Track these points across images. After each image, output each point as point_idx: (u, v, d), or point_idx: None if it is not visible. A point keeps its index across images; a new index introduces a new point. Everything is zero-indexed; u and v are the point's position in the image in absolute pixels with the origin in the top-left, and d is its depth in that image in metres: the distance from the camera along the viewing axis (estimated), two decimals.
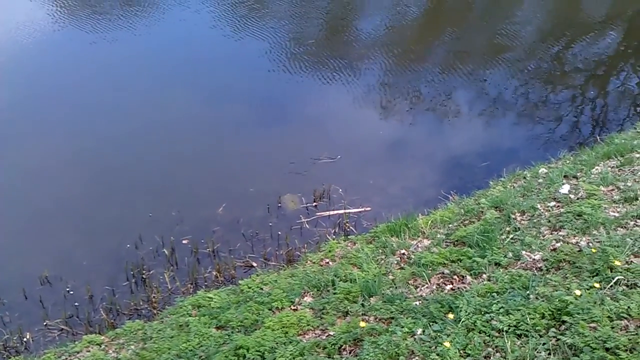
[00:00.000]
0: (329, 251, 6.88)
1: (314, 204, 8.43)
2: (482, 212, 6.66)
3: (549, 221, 6.01)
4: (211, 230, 7.91)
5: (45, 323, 6.74)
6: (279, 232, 7.91)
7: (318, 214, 8.26)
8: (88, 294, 7.09)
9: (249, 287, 6.29)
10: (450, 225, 6.72)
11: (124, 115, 10.46)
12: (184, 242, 7.81)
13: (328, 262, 6.66)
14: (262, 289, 6.21)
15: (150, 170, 9.16)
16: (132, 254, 7.63)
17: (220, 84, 11.37)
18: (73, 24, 13.93)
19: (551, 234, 5.80)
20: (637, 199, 6.06)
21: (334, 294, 5.60)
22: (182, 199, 8.50)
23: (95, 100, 10.89)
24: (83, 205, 8.53)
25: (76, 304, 7.03)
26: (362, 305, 5.32)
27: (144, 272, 7.37)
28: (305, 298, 5.78)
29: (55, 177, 9.00)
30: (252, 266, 7.36)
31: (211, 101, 10.91)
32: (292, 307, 5.65)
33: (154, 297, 6.94)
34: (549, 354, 4.06)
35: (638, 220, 5.65)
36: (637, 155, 7.29)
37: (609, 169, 7.11)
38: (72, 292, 7.16)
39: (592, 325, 4.19)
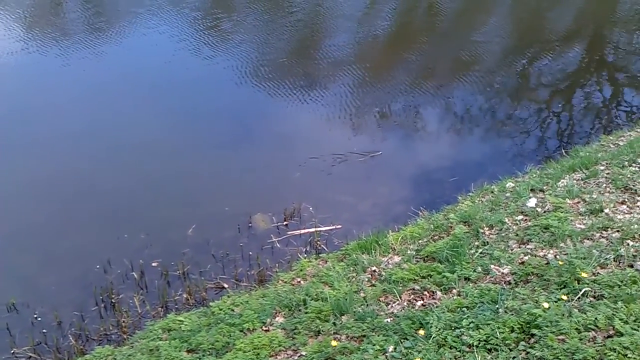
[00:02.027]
0: (301, 270, 6.85)
1: (285, 223, 8.41)
2: (451, 227, 6.70)
3: (517, 235, 6.08)
4: (181, 252, 7.83)
5: (12, 351, 6.58)
6: (250, 252, 7.86)
7: (289, 233, 8.24)
8: (56, 320, 6.96)
9: (220, 309, 6.23)
10: (420, 241, 6.75)
11: (90, 138, 10.35)
12: (153, 265, 7.72)
13: (300, 281, 6.63)
14: (233, 310, 6.15)
15: (117, 193, 9.04)
16: (100, 278, 7.50)
17: (187, 106, 11.33)
18: (40, 47, 13.80)
19: (519, 247, 5.86)
20: (602, 211, 6.16)
21: (306, 313, 5.58)
22: (151, 221, 8.42)
23: (61, 124, 10.78)
24: (50, 230, 8.39)
25: (44, 330, 6.88)
26: (334, 324, 5.31)
27: (113, 296, 7.25)
28: (277, 318, 5.75)
29: (20, 202, 8.86)
30: (223, 287, 7.30)
31: (178, 123, 10.85)
32: (264, 328, 5.60)
33: (123, 321, 6.83)
34: None
35: (604, 232, 5.75)
36: (602, 168, 7.41)
37: (575, 181, 7.22)
38: (39, 319, 7.01)
39: (561, 337, 4.24)
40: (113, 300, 7.21)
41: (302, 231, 8.22)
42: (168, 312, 6.75)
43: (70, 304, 7.17)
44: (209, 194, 9.03)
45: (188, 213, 8.50)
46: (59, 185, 9.21)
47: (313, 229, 8.13)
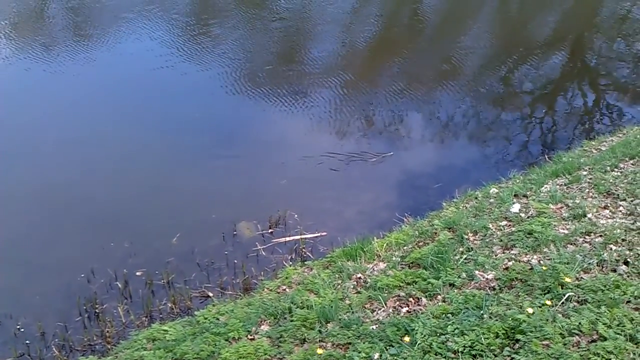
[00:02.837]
0: (286, 278, 6.85)
1: (270, 230, 8.39)
2: (436, 233, 6.72)
3: (501, 240, 6.10)
4: (165, 261, 7.79)
5: None
6: (235, 261, 7.83)
7: (274, 240, 8.22)
8: (39, 331, 6.89)
9: (205, 318, 6.20)
10: (405, 248, 6.76)
11: (73, 147, 10.30)
12: (137, 274, 7.67)
13: (285, 289, 6.62)
14: (218, 319, 6.13)
15: (101, 202, 8.98)
16: (84, 288, 7.45)
17: (171, 113, 11.32)
18: (21, 57, 13.71)
19: (503, 253, 5.88)
20: (585, 216, 6.19)
21: (291, 321, 5.56)
22: (134, 230, 8.37)
23: (44, 134, 10.72)
24: (33, 240, 8.33)
25: (27, 342, 6.81)
26: (319, 331, 5.29)
27: (97, 306, 7.21)
28: (262, 327, 5.72)
29: (3, 212, 8.78)
30: (209, 296, 7.26)
31: (163, 131, 10.81)
32: (249, 337, 5.57)
33: (107, 331, 6.79)
34: None
35: (587, 237, 5.78)
36: (584, 173, 7.47)
37: (558, 187, 7.27)
38: (22, 330, 6.95)
39: (545, 342, 4.25)
40: (97, 311, 7.16)
41: (288, 239, 8.21)
42: (152, 322, 6.72)
43: (54, 315, 7.12)
44: (194, 202, 8.99)
45: (172, 222, 8.47)
46: (42, 195, 9.14)
47: (298, 237, 8.12)
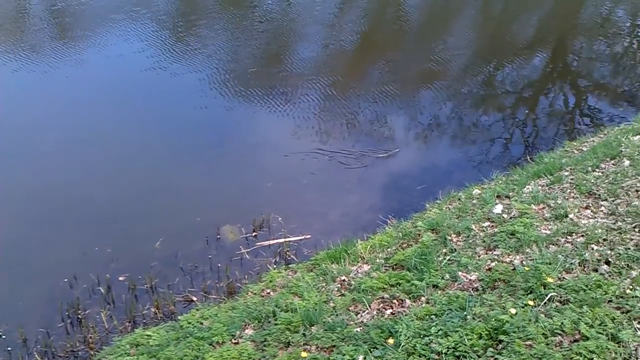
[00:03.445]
0: (270, 281, 6.83)
1: (254, 233, 8.37)
2: (420, 234, 6.74)
3: (484, 241, 6.13)
4: (149, 266, 7.73)
5: None
6: (219, 264, 7.80)
7: (258, 244, 8.20)
8: (21, 338, 6.82)
9: (189, 323, 6.17)
10: (388, 250, 6.77)
11: (56, 151, 10.21)
12: (120, 279, 7.61)
13: (269, 293, 6.61)
14: (202, 323, 6.10)
15: (83, 207, 8.92)
16: (67, 294, 7.38)
17: (154, 118, 11.26)
18: (9, 58, 13.61)
19: (486, 253, 5.90)
20: (566, 216, 6.23)
21: (275, 324, 5.55)
22: (117, 235, 8.30)
23: (26, 137, 10.62)
24: (14, 246, 8.23)
25: (9, 348, 6.73)
26: (304, 334, 5.28)
27: (79, 312, 7.14)
28: (247, 331, 5.71)
29: None
30: (192, 301, 7.23)
31: (145, 136, 10.74)
32: (233, 341, 5.56)
33: (90, 337, 6.73)
34: None
35: (568, 237, 5.82)
36: (566, 173, 7.51)
37: (540, 187, 7.31)
38: (4, 337, 6.87)
39: (528, 343, 4.27)
40: (79, 316, 7.10)
41: (271, 242, 8.19)
42: (136, 327, 6.68)
43: (36, 321, 7.04)
44: (177, 206, 8.94)
45: (155, 226, 8.42)
46: (24, 200, 9.05)
47: (282, 240, 8.10)
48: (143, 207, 8.93)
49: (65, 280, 7.56)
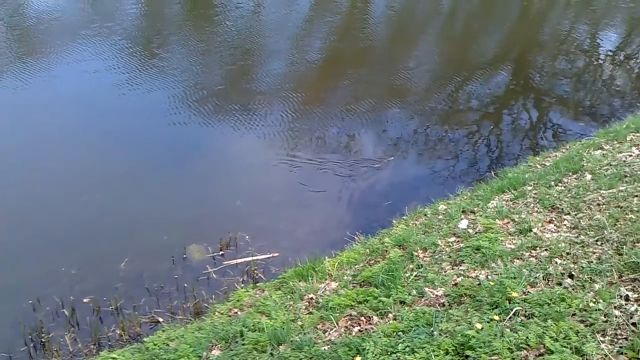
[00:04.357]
0: (237, 301, 6.78)
1: (221, 252, 8.30)
2: (387, 251, 6.77)
3: (450, 256, 6.17)
4: (114, 287, 7.62)
5: None
6: (185, 284, 7.71)
7: (225, 262, 8.13)
8: None
9: (155, 344, 6.08)
10: (356, 266, 6.78)
11: (15, 170, 10.05)
12: (85, 300, 7.48)
13: (236, 312, 6.55)
14: (168, 345, 6.01)
15: (46, 227, 8.76)
16: (29, 317, 7.22)
17: (119, 137, 11.12)
18: None
19: (452, 269, 5.95)
20: (530, 231, 6.32)
21: (243, 344, 5.50)
22: (82, 255, 8.15)
23: None
24: None
25: None
26: (271, 354, 5.24)
27: (43, 335, 6.99)
28: (213, 351, 5.64)
29: None
30: (158, 321, 7.13)
31: (110, 154, 10.60)
32: None
33: None
34: None
35: (533, 251, 5.90)
36: (529, 188, 7.62)
37: (504, 202, 7.40)
38: None
39: (494, 358, 4.30)
40: (43, 340, 6.95)
41: (239, 260, 8.14)
42: (101, 350, 6.57)
43: None
44: (143, 225, 8.84)
45: (120, 246, 8.30)
46: None
47: (250, 258, 8.06)
48: (108, 226, 8.78)
49: (30, 302, 7.40)
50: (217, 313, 6.65)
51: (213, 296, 7.42)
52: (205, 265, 8.07)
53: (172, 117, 11.71)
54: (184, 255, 8.21)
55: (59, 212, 9.09)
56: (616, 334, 4.39)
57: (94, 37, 15.06)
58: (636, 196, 6.48)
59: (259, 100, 12.47)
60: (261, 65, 14.43)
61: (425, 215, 7.81)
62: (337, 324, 5.53)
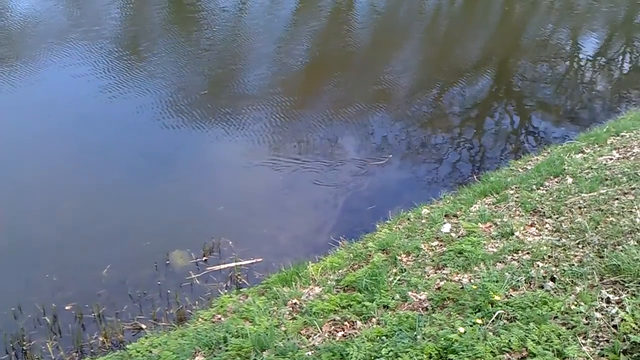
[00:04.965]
0: (221, 306, 6.75)
1: (204, 258, 8.27)
2: (370, 255, 6.77)
3: (433, 260, 6.19)
4: (96, 294, 7.57)
5: None
6: (169, 291, 7.67)
7: (208, 268, 8.10)
8: None
9: (138, 351, 6.05)
10: (340, 271, 6.78)
11: None
12: (67, 308, 7.42)
13: (220, 318, 6.53)
14: (151, 352, 5.98)
15: (27, 234, 8.67)
16: (10, 325, 7.14)
17: (101, 143, 11.03)
18: None
19: (435, 273, 5.96)
20: (513, 234, 6.35)
21: (226, 351, 5.46)
22: (63, 262, 8.10)
23: None
24: None
25: None
26: None
27: (24, 343, 6.93)
28: (197, 358, 5.61)
29: None
30: (141, 328, 7.09)
31: (91, 160, 10.53)
32: None
33: None
34: None
35: (515, 255, 5.92)
36: (511, 192, 7.67)
37: (486, 206, 7.44)
38: None
39: None
40: (24, 348, 6.90)
41: (222, 266, 8.11)
42: (83, 357, 6.58)
43: None
44: (125, 232, 8.77)
45: (103, 252, 8.25)
46: None
47: (233, 264, 8.04)
48: (90, 233, 8.71)
49: (12, 309, 7.32)
50: (200, 319, 6.61)
51: (196, 302, 7.39)
52: (188, 271, 8.03)
53: (155, 122, 11.66)
54: (167, 262, 8.17)
55: (40, 219, 9.00)
56: (597, 337, 4.42)
57: (80, 41, 14.96)
58: (617, 199, 6.53)
59: (242, 105, 12.45)
60: (245, 70, 14.41)
61: (409, 219, 7.83)
62: (321, 329, 5.52)
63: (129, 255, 8.23)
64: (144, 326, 7.12)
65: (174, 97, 12.61)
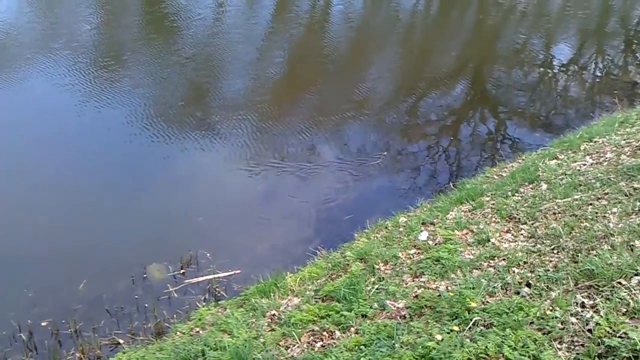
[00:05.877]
0: (199, 319, 6.72)
1: (182, 271, 8.23)
2: (349, 264, 6.78)
3: (411, 268, 6.22)
4: (72, 309, 7.49)
5: None
6: (146, 305, 7.62)
7: (186, 281, 8.06)
8: None
9: None
10: (318, 281, 6.77)
11: None
12: (43, 324, 7.33)
13: (198, 331, 6.49)
14: None
15: (0, 250, 8.55)
16: None
17: (76, 154, 10.95)
18: None
19: (413, 281, 5.98)
20: (489, 241, 6.40)
21: None
22: (38, 277, 7.99)
23: None
24: None
25: None
26: None
27: None
28: None
29: None
30: (119, 343, 7.02)
31: (66, 174, 10.43)
32: None
33: None
34: None
35: (491, 261, 5.96)
36: (487, 199, 7.73)
37: (462, 213, 7.48)
38: None
39: None
40: None
41: (200, 279, 8.07)
42: None
43: None
44: (101, 245, 8.69)
45: (79, 267, 8.16)
46: None
47: (211, 276, 8.00)
48: (65, 247, 8.62)
49: None
50: (178, 333, 6.57)
51: (174, 316, 7.35)
52: (166, 284, 7.98)
53: (130, 134, 11.58)
54: (144, 275, 8.11)
55: (14, 233, 8.89)
56: (573, 341, 4.46)
57: (62, 51, 14.84)
58: (590, 204, 6.61)
59: (219, 116, 12.43)
60: (221, 82, 14.38)
61: (386, 228, 7.86)
62: (300, 340, 5.51)
63: (105, 270, 8.15)
64: (121, 341, 7.06)
65: (149, 109, 12.52)
